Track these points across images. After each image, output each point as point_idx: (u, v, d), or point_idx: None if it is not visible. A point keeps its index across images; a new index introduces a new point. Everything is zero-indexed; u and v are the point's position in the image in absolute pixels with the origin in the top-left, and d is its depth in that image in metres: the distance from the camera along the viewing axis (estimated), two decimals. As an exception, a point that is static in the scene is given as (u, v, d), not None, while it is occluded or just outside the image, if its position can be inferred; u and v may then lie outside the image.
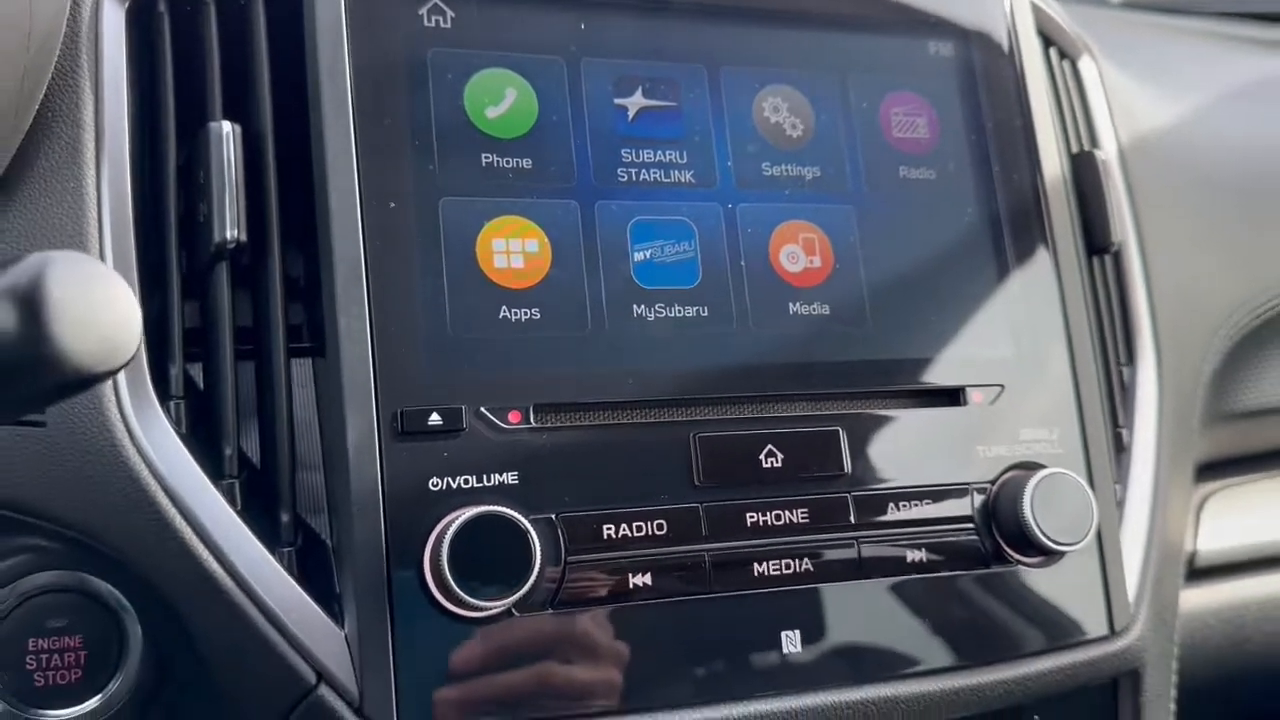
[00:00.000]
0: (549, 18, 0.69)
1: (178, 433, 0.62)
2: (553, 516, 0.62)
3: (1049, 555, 0.70)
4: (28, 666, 0.62)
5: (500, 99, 0.68)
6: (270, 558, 0.61)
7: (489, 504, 0.60)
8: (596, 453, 0.64)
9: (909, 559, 0.68)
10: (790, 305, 0.70)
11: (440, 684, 0.60)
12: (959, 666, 0.68)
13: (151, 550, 0.60)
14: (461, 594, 0.58)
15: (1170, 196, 0.91)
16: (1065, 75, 0.87)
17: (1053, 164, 0.78)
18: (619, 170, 0.69)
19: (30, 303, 0.43)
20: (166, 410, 0.62)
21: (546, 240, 0.67)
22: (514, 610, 0.61)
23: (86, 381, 0.45)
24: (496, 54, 0.69)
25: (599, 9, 0.71)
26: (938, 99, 0.77)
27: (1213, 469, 1.02)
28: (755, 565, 0.65)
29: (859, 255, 0.72)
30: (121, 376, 0.60)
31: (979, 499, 0.70)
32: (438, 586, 0.59)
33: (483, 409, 0.62)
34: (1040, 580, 0.70)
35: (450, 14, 0.68)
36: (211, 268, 0.64)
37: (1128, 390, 0.83)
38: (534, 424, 0.63)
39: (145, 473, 0.60)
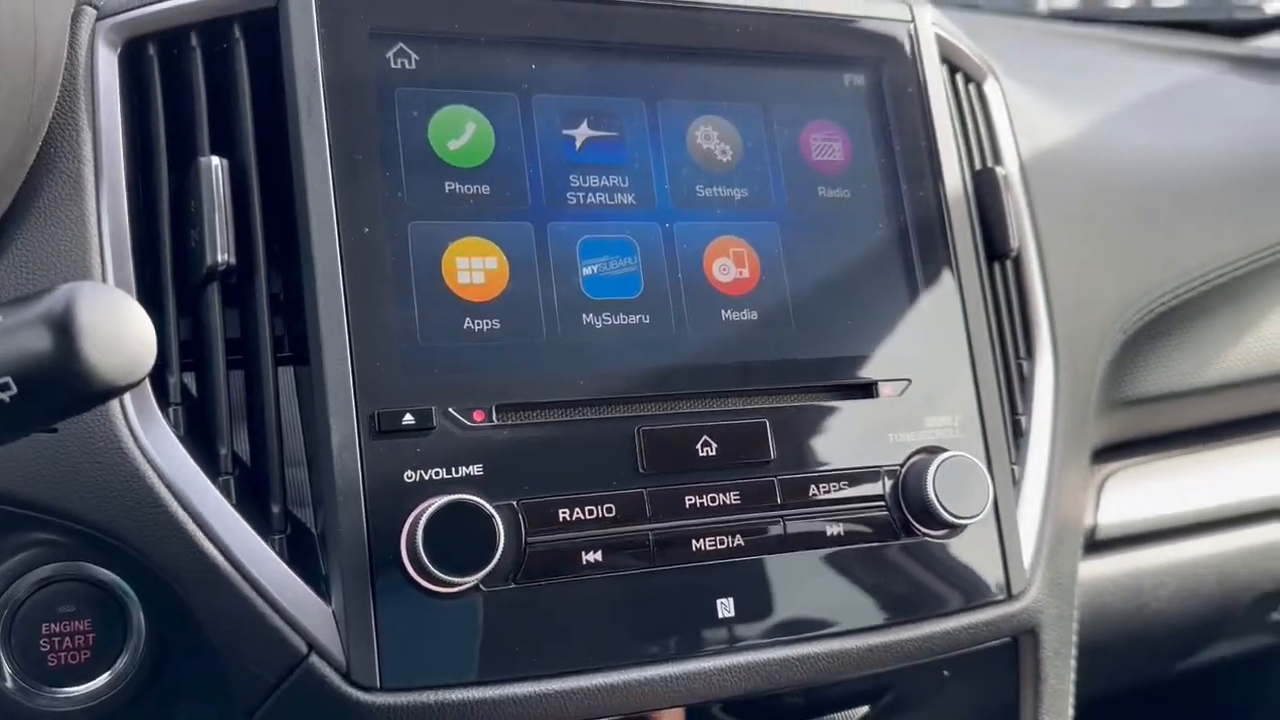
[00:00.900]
0: (503, 59, 0.73)
1: (177, 435, 0.65)
2: (514, 503, 0.66)
3: (951, 528, 0.74)
4: (41, 649, 0.66)
5: (461, 132, 0.71)
6: (263, 544, 0.64)
7: (458, 493, 0.63)
8: (552, 446, 0.68)
9: (828, 533, 0.72)
10: (722, 312, 0.74)
11: (418, 651, 0.64)
12: (873, 627, 0.73)
13: (157, 541, 0.64)
14: (435, 572, 0.62)
15: (1067, 204, 0.95)
16: (971, 97, 0.91)
17: (955, 180, 0.82)
18: (568, 194, 0.72)
19: (64, 327, 0.47)
20: (166, 416, 0.66)
21: (505, 258, 0.70)
22: (481, 585, 0.64)
23: (111, 393, 0.49)
24: (457, 92, 0.71)
25: (548, 50, 0.74)
26: (852, 125, 0.80)
27: (1115, 450, 1.07)
28: (693, 542, 0.69)
29: (783, 266, 0.76)
30: (128, 387, 0.64)
31: (889, 480, 0.74)
32: (414, 566, 0.63)
33: (450, 409, 0.66)
34: (944, 551, 0.75)
35: (415, 56, 0.71)
36: (203, 288, 0.67)
37: (1027, 381, 0.86)
38: (496, 421, 0.67)
39: (149, 471, 0.64)
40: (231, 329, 0.69)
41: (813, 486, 0.73)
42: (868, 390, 0.77)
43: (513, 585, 0.66)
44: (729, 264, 0.76)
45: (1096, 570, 1.01)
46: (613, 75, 0.76)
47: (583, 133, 0.74)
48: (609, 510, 0.68)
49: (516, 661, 0.66)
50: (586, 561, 0.67)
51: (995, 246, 0.86)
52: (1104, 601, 1.02)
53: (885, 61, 0.83)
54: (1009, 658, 0.82)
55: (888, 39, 0.84)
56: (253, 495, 0.67)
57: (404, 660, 0.64)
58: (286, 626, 0.64)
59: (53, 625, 0.66)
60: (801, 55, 0.81)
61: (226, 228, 0.67)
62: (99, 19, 0.69)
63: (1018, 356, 0.87)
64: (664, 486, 0.70)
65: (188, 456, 0.65)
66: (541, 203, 0.72)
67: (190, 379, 0.69)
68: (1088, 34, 1.46)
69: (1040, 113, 1.01)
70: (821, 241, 0.78)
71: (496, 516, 0.64)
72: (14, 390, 0.47)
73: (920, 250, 0.80)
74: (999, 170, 0.88)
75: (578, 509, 0.68)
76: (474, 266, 0.70)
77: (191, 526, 0.64)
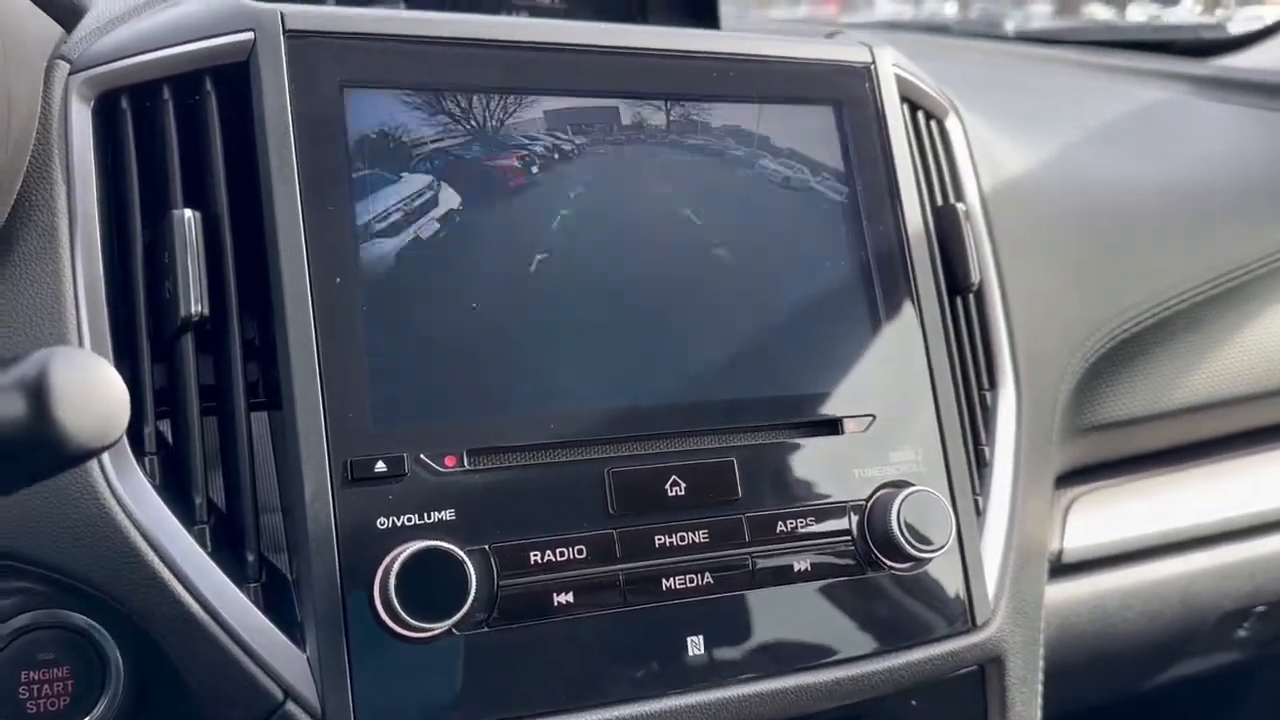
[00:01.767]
0: (471, 110, 0.73)
1: (153, 485, 0.66)
2: (486, 547, 0.67)
3: (916, 561, 0.75)
4: (20, 696, 0.65)
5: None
6: (238, 592, 0.65)
7: (430, 539, 0.64)
8: (523, 489, 0.69)
9: (796, 569, 0.73)
10: (689, 352, 0.74)
11: (393, 696, 0.64)
12: (840, 660, 0.74)
13: (134, 591, 0.64)
14: (408, 618, 0.63)
15: (1028, 236, 0.96)
16: (932, 134, 0.92)
17: (915, 217, 0.83)
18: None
19: (38, 393, 0.48)
20: (142, 465, 0.66)
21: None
22: (454, 630, 0.65)
23: (85, 456, 0.50)
24: (425, 145, 0.71)
25: (516, 99, 0.75)
26: (814, 165, 0.81)
27: (1081, 474, 1.08)
28: (663, 580, 0.70)
29: (748, 304, 0.77)
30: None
31: (855, 516, 0.75)
32: (387, 612, 0.64)
33: (422, 455, 0.67)
34: (910, 583, 0.76)
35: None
36: (178, 338, 0.68)
37: (989, 412, 0.87)
38: (468, 466, 0.68)
39: (126, 522, 0.64)
40: (205, 374, 0.69)
41: (780, 523, 0.74)
42: (833, 427, 0.78)
43: (486, 629, 0.67)
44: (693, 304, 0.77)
45: (1063, 594, 1.03)
46: (579, 118, 0.77)
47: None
48: (580, 552, 0.69)
49: (491, 704, 0.66)
50: (559, 603, 0.68)
51: (957, 281, 0.88)
52: (1071, 624, 1.03)
53: (845, 103, 0.84)
54: (976, 685, 0.83)
55: (849, 82, 0.85)
56: (228, 542, 0.68)
57: (378, 705, 0.64)
58: (262, 673, 0.64)
59: (31, 673, 0.66)
60: (767, 95, 0.82)
61: (200, 280, 0.67)
62: (72, 73, 0.70)
63: (980, 388, 0.88)
64: (634, 527, 0.71)
65: (164, 506, 0.66)
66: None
67: (166, 426, 0.69)
68: (1054, 55, 1.48)
69: (1001, 146, 1.02)
70: (784, 279, 0.79)
71: (468, 562, 0.65)
72: (-12, 455, 0.48)
73: (883, 287, 0.82)
74: (960, 206, 0.89)
75: (549, 551, 0.68)
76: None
77: (168, 576, 0.64)
